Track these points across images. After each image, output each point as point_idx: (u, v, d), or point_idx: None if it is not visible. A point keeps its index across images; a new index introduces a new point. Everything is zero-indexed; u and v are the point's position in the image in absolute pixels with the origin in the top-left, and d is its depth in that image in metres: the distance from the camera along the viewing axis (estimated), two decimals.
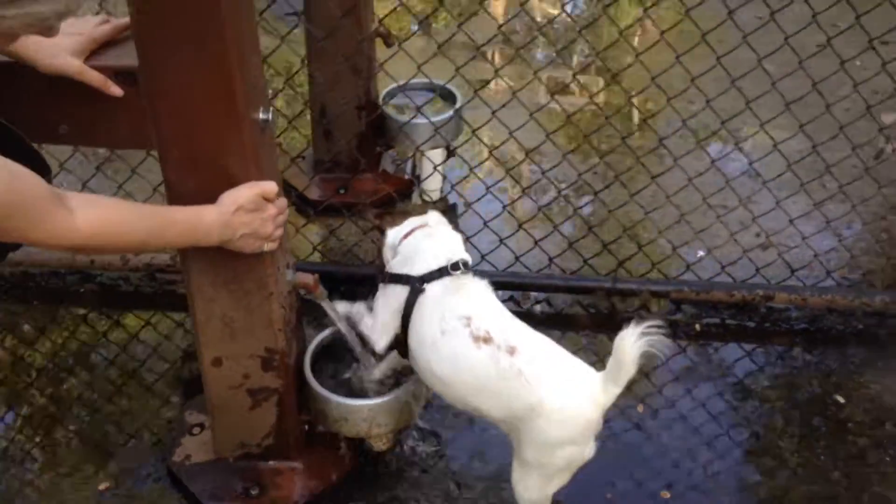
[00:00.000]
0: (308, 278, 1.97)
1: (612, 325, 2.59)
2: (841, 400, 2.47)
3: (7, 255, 1.49)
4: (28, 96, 1.61)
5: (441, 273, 1.91)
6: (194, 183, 1.65)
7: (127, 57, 1.58)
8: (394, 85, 3.07)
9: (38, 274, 2.85)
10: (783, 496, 2.19)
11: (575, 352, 1.85)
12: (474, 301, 1.88)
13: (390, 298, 1.97)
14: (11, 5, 1.19)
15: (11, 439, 2.31)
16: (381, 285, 2.01)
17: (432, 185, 3.14)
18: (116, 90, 1.58)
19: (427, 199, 3.15)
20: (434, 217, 2.10)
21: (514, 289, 2.81)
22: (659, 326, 1.64)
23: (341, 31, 2.70)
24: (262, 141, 1.68)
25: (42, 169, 1.41)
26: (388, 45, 2.91)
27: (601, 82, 4.12)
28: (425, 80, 2.92)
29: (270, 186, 1.68)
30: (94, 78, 1.56)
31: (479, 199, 2.81)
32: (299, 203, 3.05)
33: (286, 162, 3.00)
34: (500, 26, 2.78)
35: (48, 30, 1.29)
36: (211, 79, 1.53)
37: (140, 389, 2.47)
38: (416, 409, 2.11)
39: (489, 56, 4.24)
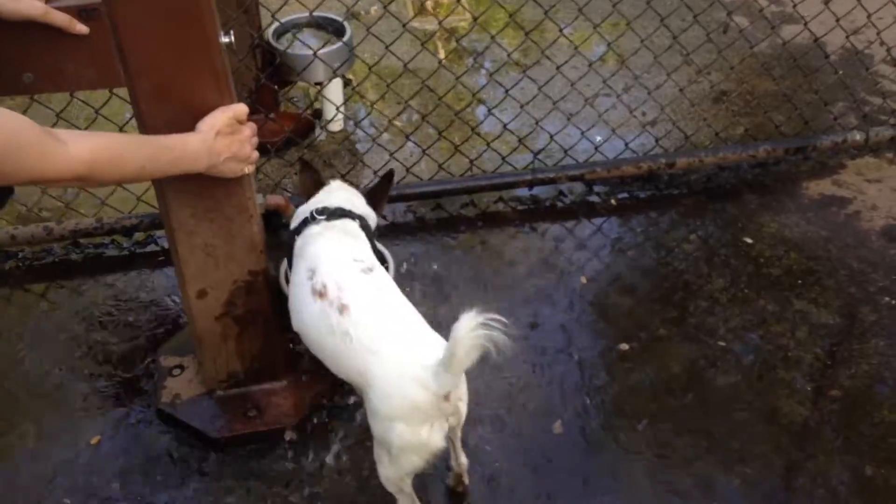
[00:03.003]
0: (279, 199, 2.04)
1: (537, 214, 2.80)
2: (749, 241, 2.79)
3: (6, 201, 1.49)
4: None
5: (305, 223, 1.90)
6: (168, 113, 1.67)
7: None
8: (286, 19, 3.09)
9: None
10: (723, 326, 2.48)
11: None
12: (325, 252, 1.83)
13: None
14: None
15: None
16: None
17: (333, 117, 3.21)
18: (82, 28, 1.57)
19: (329, 131, 3.23)
20: (335, 183, 2.05)
21: (440, 196, 2.93)
22: (497, 321, 1.43)
23: None
24: (228, 64, 1.73)
25: None
26: None
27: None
28: (315, 16, 2.93)
29: (242, 108, 1.73)
30: (60, 18, 1.55)
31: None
32: None
33: None
34: None
35: None
36: (179, 5, 1.56)
37: (92, 350, 2.47)
38: None
39: None
